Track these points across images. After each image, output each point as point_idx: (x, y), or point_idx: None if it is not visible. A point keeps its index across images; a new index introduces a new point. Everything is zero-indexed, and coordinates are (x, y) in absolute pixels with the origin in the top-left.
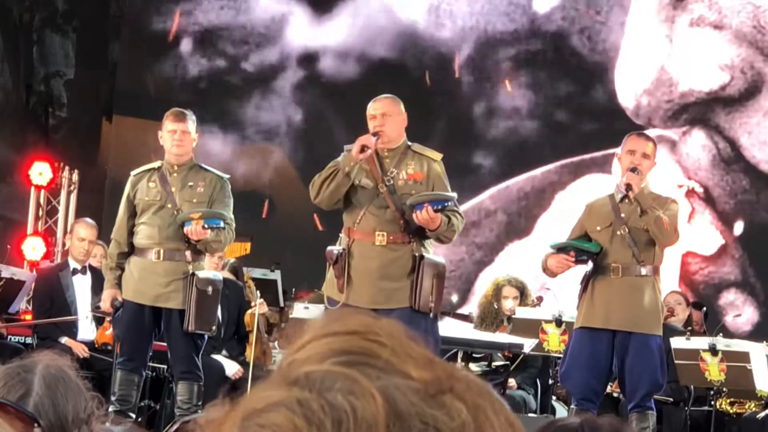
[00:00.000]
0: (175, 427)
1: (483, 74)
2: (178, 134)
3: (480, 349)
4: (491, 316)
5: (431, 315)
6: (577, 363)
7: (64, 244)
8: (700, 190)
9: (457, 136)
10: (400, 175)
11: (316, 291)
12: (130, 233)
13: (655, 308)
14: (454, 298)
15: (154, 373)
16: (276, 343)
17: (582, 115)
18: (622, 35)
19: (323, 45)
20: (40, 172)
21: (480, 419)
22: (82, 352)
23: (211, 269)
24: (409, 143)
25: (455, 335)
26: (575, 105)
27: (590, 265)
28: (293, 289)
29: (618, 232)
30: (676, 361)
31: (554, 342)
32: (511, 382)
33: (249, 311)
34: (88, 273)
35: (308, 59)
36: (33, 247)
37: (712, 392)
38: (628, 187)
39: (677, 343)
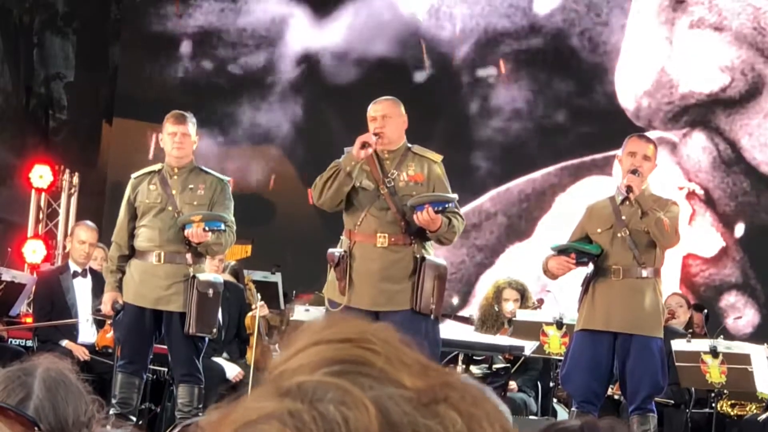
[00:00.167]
0: (176, 430)
1: (483, 75)
2: (178, 137)
3: (481, 352)
4: (492, 319)
5: (432, 317)
6: (577, 365)
7: (64, 247)
8: (700, 192)
9: (457, 138)
10: (400, 176)
11: (317, 293)
12: (131, 236)
13: (655, 310)
14: (455, 300)
15: (154, 376)
16: (277, 345)
17: (582, 117)
18: (623, 37)
19: (323, 46)
20: (40, 174)
21: (474, 429)
22: (83, 355)
23: (211, 272)
24: (409, 145)
25: (456, 338)
26: (575, 107)
27: (591, 267)
28: (293, 292)
29: (619, 234)
30: (676, 364)
31: (555, 344)
32: (512, 384)
33: (250, 314)
34: (89, 276)
35: (308, 61)
36: (33, 250)
37: (713, 394)
38: (629, 189)
39: (678, 345)
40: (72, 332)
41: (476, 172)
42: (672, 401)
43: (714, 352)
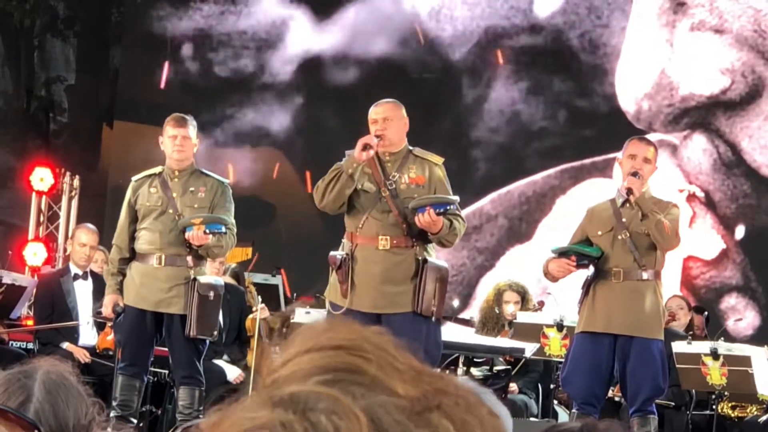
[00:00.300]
0: None
1: (483, 77)
2: (178, 140)
3: (481, 354)
4: (492, 321)
5: (433, 319)
6: (578, 367)
7: (65, 250)
8: (701, 194)
9: (457, 140)
10: (402, 179)
11: (318, 296)
12: (132, 239)
13: (656, 312)
14: (456, 302)
15: (155, 378)
16: (277, 348)
17: (582, 120)
18: (623, 39)
19: (323, 48)
20: (41, 177)
21: None
22: (84, 357)
23: (212, 274)
24: (411, 147)
25: (457, 340)
26: (576, 109)
27: (591, 269)
28: (294, 294)
29: (619, 237)
30: (677, 366)
31: (555, 346)
32: (513, 386)
33: (250, 316)
34: (90, 278)
35: (308, 62)
36: (34, 253)
37: (713, 396)
38: (629, 191)
39: (679, 347)
40: (73, 335)
41: (476, 175)
42: (673, 403)
43: (714, 354)
